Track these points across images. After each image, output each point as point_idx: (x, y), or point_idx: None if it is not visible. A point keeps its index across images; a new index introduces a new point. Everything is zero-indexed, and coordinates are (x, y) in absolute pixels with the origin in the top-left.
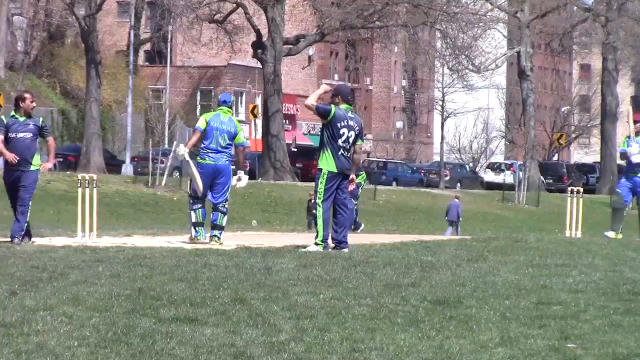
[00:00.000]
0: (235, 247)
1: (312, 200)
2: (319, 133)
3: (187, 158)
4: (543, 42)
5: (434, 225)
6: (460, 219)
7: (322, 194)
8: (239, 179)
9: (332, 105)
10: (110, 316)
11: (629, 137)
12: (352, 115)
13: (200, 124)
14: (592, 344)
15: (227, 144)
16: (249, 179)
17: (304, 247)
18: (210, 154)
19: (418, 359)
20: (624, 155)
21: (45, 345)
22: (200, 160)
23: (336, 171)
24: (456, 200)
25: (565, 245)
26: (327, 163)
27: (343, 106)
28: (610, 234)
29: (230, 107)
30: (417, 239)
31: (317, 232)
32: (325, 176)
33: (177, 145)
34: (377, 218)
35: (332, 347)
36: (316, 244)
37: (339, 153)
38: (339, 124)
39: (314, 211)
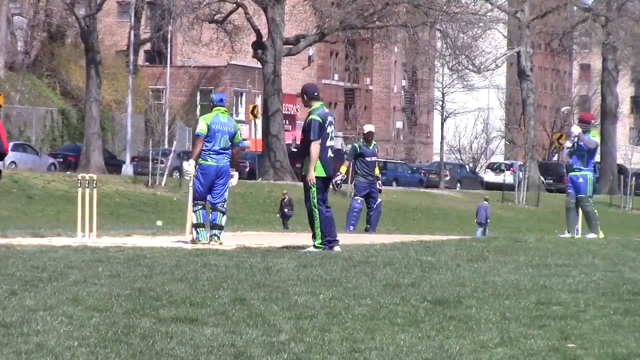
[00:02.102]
0: (235, 247)
1: (286, 199)
2: (303, 140)
3: (192, 174)
4: (543, 42)
5: (434, 225)
6: (488, 220)
7: (316, 199)
8: (231, 177)
9: (313, 117)
10: (110, 316)
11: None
12: (328, 110)
13: (202, 128)
14: (592, 344)
15: (228, 145)
16: (249, 179)
17: (304, 248)
18: (212, 156)
19: (418, 359)
20: (570, 152)
21: (45, 345)
22: (202, 162)
23: (325, 176)
24: (485, 202)
25: (565, 245)
26: (317, 170)
27: (318, 104)
28: (566, 235)
29: (225, 106)
30: (416, 239)
31: (316, 235)
32: (316, 183)
33: (185, 162)
34: None
35: (332, 347)
36: (315, 246)
37: (328, 155)
38: (325, 125)
39: (284, 210)
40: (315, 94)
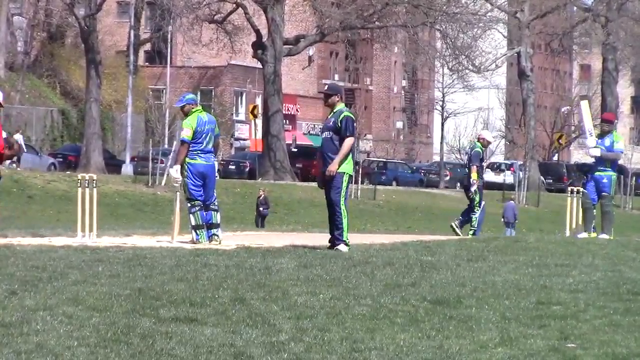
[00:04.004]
0: (235, 247)
1: (261, 197)
2: (331, 139)
3: (180, 181)
4: (543, 43)
5: (434, 225)
6: (517, 220)
7: (344, 196)
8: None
9: (348, 114)
10: (110, 316)
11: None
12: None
13: (188, 135)
14: (592, 344)
15: (212, 145)
16: (250, 179)
17: (334, 248)
18: (200, 155)
19: (418, 359)
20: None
21: (45, 345)
22: (191, 161)
23: (352, 173)
24: (512, 202)
25: (565, 245)
26: (347, 167)
27: (342, 104)
28: (583, 235)
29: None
30: (417, 239)
31: (344, 232)
32: (347, 179)
33: (170, 167)
34: (377, 218)
35: (331, 347)
36: (346, 244)
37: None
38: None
39: (260, 209)
40: (342, 94)
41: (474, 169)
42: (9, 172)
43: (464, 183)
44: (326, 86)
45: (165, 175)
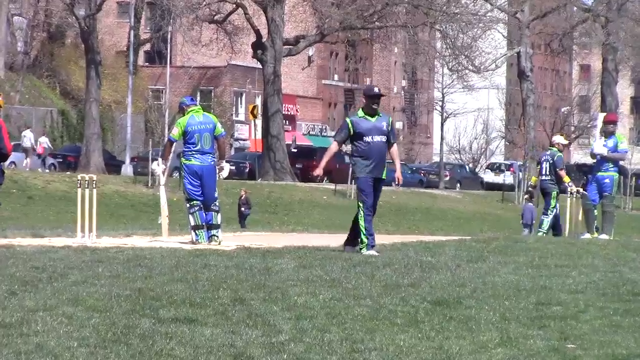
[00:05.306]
0: (235, 247)
1: (243, 197)
2: (385, 143)
3: (163, 179)
4: (543, 43)
5: (434, 225)
6: (534, 221)
7: None
8: (221, 169)
9: (391, 118)
10: (109, 317)
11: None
12: None
13: (174, 134)
14: (592, 345)
15: (211, 145)
16: (249, 179)
17: (359, 250)
18: (196, 156)
19: None
20: (593, 155)
21: (44, 345)
22: (187, 162)
23: None
24: (530, 204)
25: (565, 245)
26: None
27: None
28: (586, 236)
29: (197, 104)
30: (416, 239)
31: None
32: None
33: (154, 162)
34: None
35: (331, 347)
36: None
37: None
38: None
39: (242, 209)
40: None
41: (563, 173)
42: (9, 173)
43: (545, 187)
44: (376, 88)
45: (165, 176)
